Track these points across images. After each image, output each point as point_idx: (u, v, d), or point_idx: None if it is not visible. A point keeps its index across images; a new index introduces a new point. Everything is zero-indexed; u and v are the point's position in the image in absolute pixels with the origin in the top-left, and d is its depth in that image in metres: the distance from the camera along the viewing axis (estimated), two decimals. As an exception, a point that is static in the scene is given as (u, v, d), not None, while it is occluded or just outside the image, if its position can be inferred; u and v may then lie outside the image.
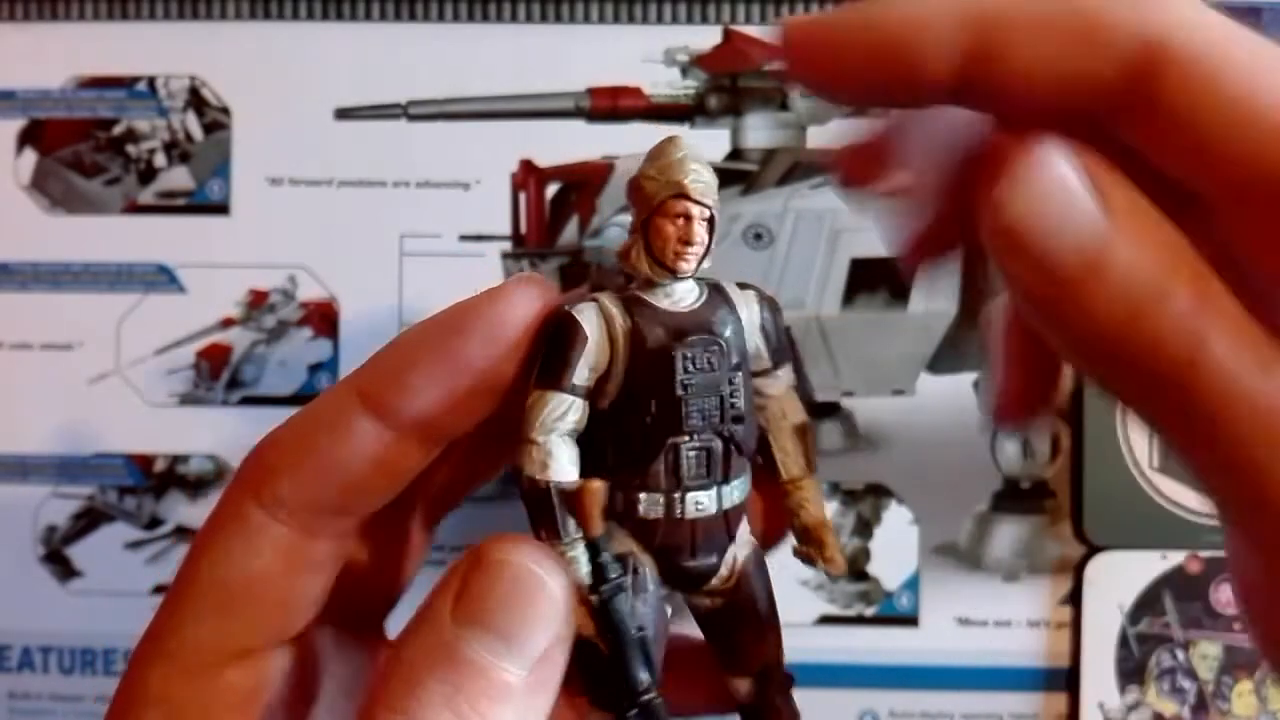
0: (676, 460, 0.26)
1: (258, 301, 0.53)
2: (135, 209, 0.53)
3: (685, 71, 0.52)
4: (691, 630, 0.28)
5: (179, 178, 0.53)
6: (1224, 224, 0.22)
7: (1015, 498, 0.52)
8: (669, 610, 0.27)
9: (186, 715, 0.25)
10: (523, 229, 0.52)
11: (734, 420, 0.26)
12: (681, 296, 0.26)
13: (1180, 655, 0.52)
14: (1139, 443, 0.52)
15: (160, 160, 0.53)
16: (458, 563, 0.24)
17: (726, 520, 0.27)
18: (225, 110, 0.53)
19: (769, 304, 0.27)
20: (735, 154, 0.53)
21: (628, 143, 0.52)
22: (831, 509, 0.52)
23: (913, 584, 0.53)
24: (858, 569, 0.53)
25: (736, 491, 0.27)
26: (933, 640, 0.53)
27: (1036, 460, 0.52)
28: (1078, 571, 0.52)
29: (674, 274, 0.26)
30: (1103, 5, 0.22)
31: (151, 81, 0.53)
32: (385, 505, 0.28)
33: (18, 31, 0.53)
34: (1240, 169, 0.21)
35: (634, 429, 0.26)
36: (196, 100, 0.53)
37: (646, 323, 0.26)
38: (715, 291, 0.26)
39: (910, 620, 0.53)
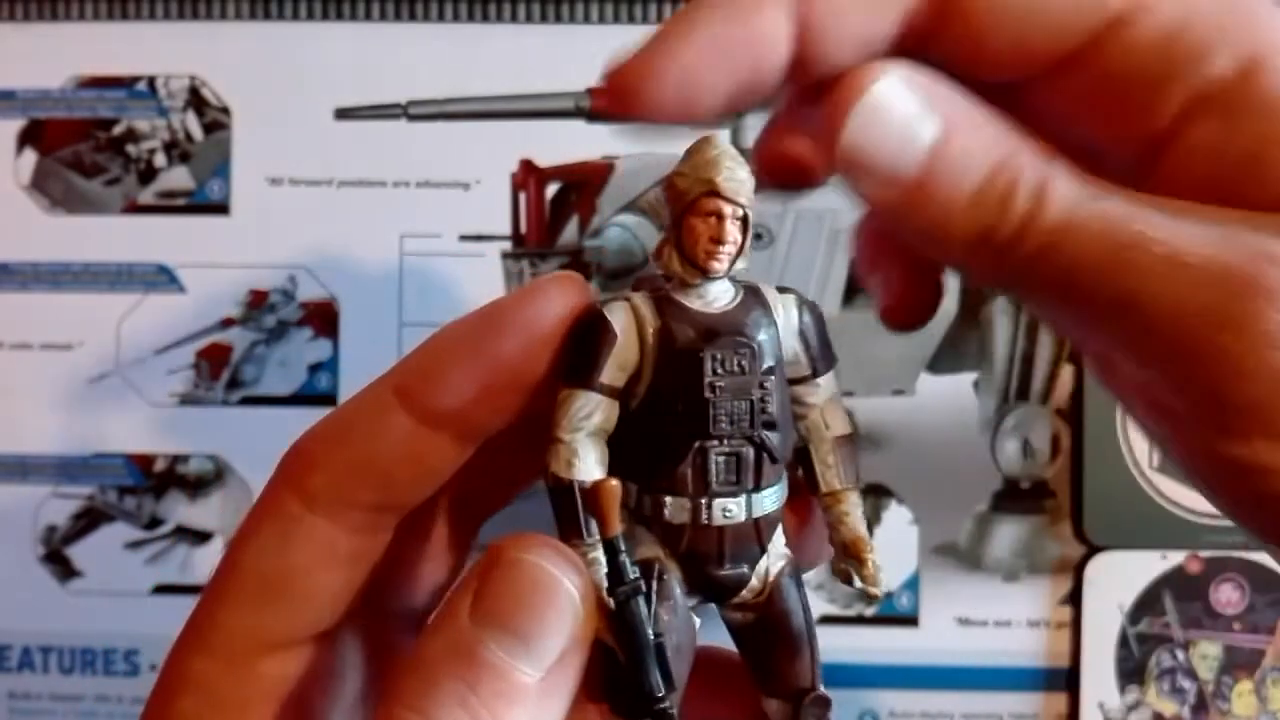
0: (704, 464, 0.25)
1: (258, 301, 0.53)
2: (135, 209, 0.53)
3: (685, 71, 0.52)
4: (731, 645, 0.27)
5: (179, 178, 0.53)
6: (1037, 105, 0.26)
7: (1015, 498, 0.52)
8: (697, 621, 0.26)
9: (223, 703, 0.26)
10: (523, 229, 0.52)
11: (765, 426, 0.25)
12: (715, 297, 0.25)
13: (1180, 655, 0.52)
14: (1139, 443, 0.52)
15: (160, 160, 0.53)
16: (478, 561, 0.24)
17: (758, 530, 0.26)
18: (225, 110, 0.53)
19: (809, 309, 0.26)
20: (735, 154, 0.53)
21: (627, 143, 0.52)
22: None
23: (913, 584, 0.53)
24: (858, 569, 0.53)
25: (769, 500, 0.26)
26: (933, 640, 0.53)
27: (1036, 460, 0.52)
28: (1078, 571, 0.52)
29: (705, 274, 0.25)
30: None
31: (151, 81, 0.53)
32: (429, 505, 0.28)
33: (18, 31, 0.53)
34: (1048, 48, 0.25)
35: (661, 431, 0.25)
36: (196, 100, 0.53)
37: (676, 323, 0.25)
38: (751, 294, 0.26)
39: (910, 620, 0.53)
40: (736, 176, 0.25)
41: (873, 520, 0.53)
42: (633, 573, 0.24)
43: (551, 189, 0.53)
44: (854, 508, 0.27)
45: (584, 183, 0.52)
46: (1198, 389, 0.23)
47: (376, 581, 0.27)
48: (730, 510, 0.25)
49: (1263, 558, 0.51)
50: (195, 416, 0.53)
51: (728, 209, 0.25)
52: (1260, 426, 0.23)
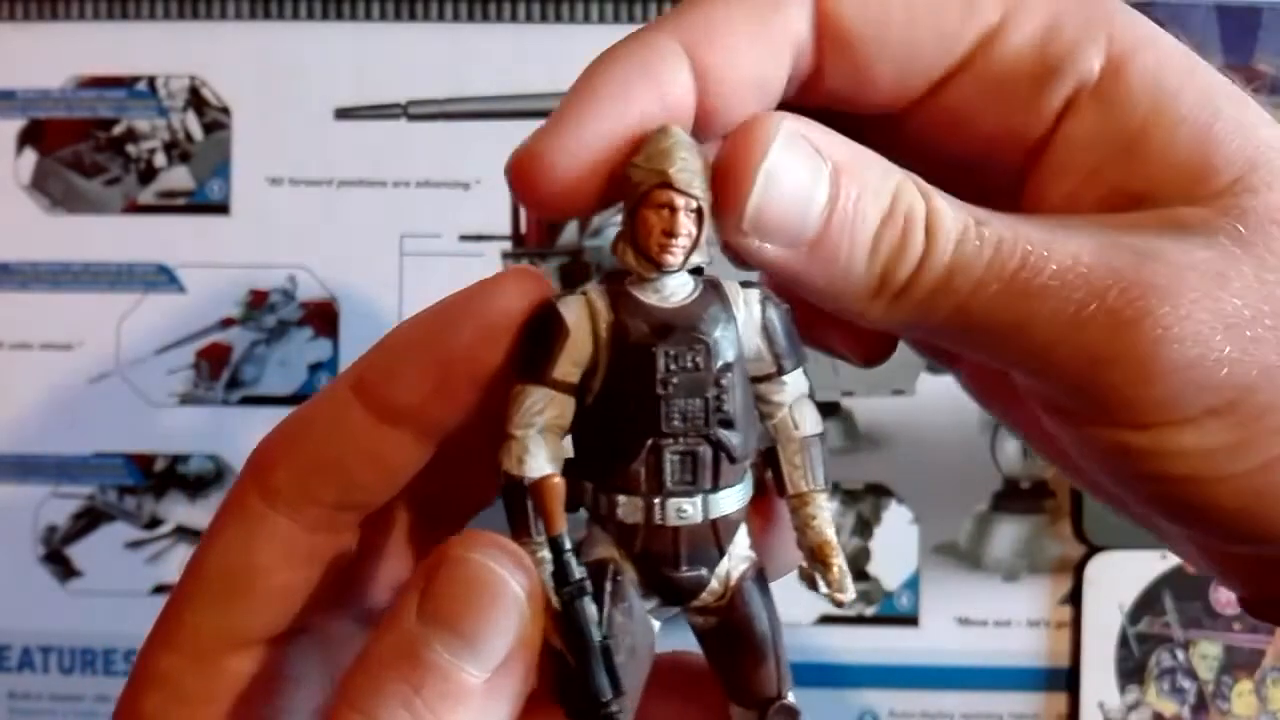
0: (658, 463, 0.24)
1: (258, 301, 0.53)
2: (135, 209, 0.53)
3: (685, 71, 0.52)
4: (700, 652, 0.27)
5: (179, 178, 0.53)
6: (921, 129, 0.27)
7: (1015, 498, 0.52)
8: (656, 624, 0.26)
9: (187, 700, 0.26)
10: (523, 229, 0.52)
11: (722, 424, 0.24)
12: (673, 292, 0.25)
13: (1180, 655, 0.52)
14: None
15: (160, 160, 0.53)
16: (426, 559, 0.24)
17: (716, 531, 0.25)
18: (225, 110, 0.53)
19: (774, 304, 0.26)
20: (735, 154, 0.52)
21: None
22: (832, 509, 0.52)
23: (913, 584, 0.53)
24: (858, 569, 0.53)
25: (727, 502, 0.25)
26: (933, 640, 0.53)
27: (1036, 460, 0.52)
28: (1078, 571, 0.52)
29: (659, 267, 0.24)
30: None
31: (151, 81, 0.53)
32: (400, 507, 0.28)
33: (18, 31, 0.53)
34: (931, 66, 0.26)
35: (614, 428, 0.25)
36: (196, 100, 0.53)
37: (630, 318, 0.24)
38: (711, 288, 0.25)
39: (910, 620, 0.53)
40: (690, 167, 0.24)
41: (872, 520, 0.53)
42: (579, 572, 0.24)
43: (551, 189, 0.52)
44: (821, 510, 0.26)
45: (584, 183, 0.52)
46: (1103, 393, 0.24)
47: (345, 582, 0.27)
48: (685, 511, 0.25)
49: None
50: (195, 416, 0.53)
51: (680, 200, 0.24)
52: (1167, 414, 0.24)
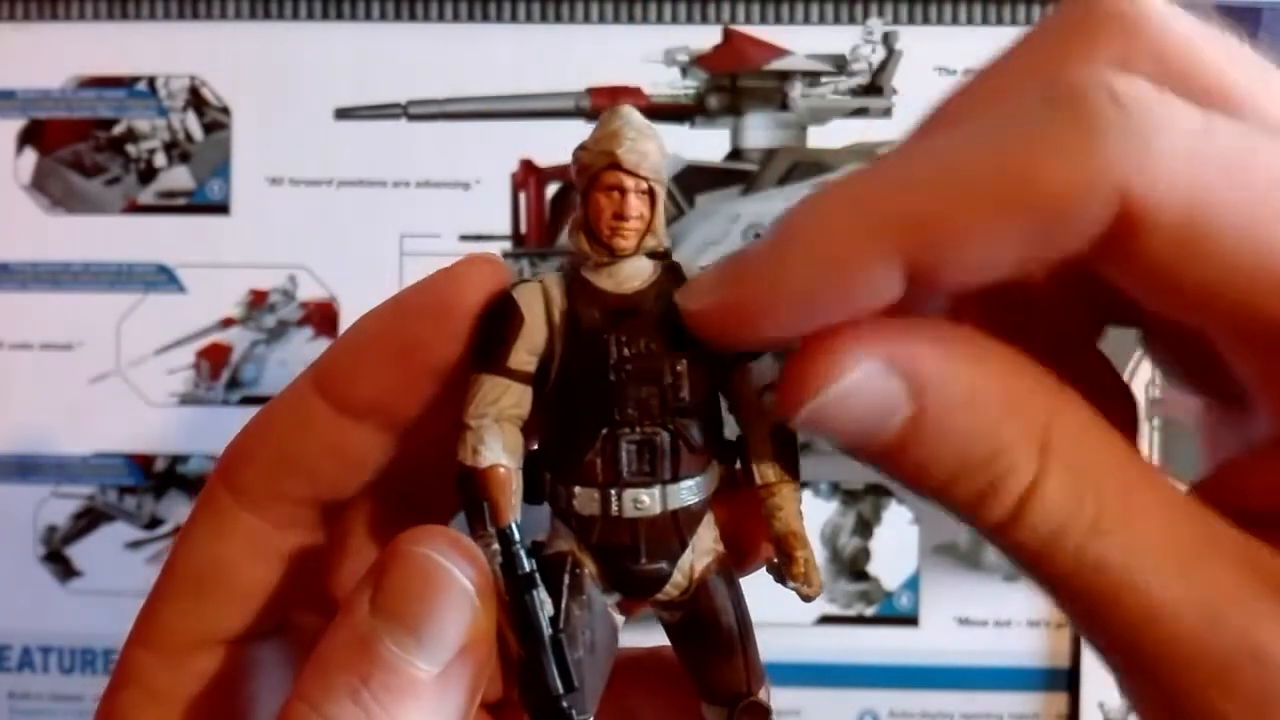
0: (614, 452, 0.24)
1: (258, 301, 0.53)
2: (135, 209, 0.53)
3: (685, 71, 0.52)
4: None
5: (179, 178, 0.53)
6: (1223, 359, 0.22)
7: (1015, 498, 0.52)
8: (619, 619, 0.25)
9: (160, 696, 0.26)
10: (523, 229, 0.52)
11: (679, 412, 0.24)
12: (628, 277, 0.24)
13: (1180, 655, 0.52)
14: (1140, 441, 0.52)
15: (160, 160, 0.53)
16: (380, 554, 0.23)
17: (677, 523, 0.24)
18: (225, 110, 0.53)
19: None
20: (735, 154, 0.53)
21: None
22: (831, 509, 0.53)
23: (913, 584, 0.53)
24: (858, 569, 0.53)
25: (688, 492, 0.24)
26: (933, 640, 0.53)
27: (1036, 460, 0.52)
28: (1078, 571, 0.52)
29: (612, 251, 0.24)
30: (1054, 162, 0.19)
31: (151, 81, 0.53)
32: (373, 506, 0.28)
33: (18, 31, 0.53)
34: (1237, 316, 0.20)
35: (569, 416, 0.24)
36: (196, 100, 0.53)
37: (583, 304, 0.24)
38: (670, 274, 0.24)
39: (910, 620, 0.53)
40: (639, 148, 0.23)
41: (872, 520, 0.53)
42: (528, 564, 0.23)
43: (551, 189, 0.53)
44: (789, 501, 0.25)
45: (584, 183, 0.52)
46: None
47: (317, 579, 0.27)
48: (643, 502, 0.24)
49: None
50: (195, 416, 0.53)
51: (630, 182, 0.23)
52: None
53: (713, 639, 0.25)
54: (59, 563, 0.53)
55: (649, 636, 0.27)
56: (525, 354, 0.24)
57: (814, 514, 0.52)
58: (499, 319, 0.24)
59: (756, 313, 0.22)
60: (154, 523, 0.53)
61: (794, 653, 0.51)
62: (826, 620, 0.52)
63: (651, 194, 0.24)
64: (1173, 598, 0.21)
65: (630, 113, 0.24)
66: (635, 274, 0.24)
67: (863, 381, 0.21)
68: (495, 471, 0.23)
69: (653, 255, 0.24)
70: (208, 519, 0.26)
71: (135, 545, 0.53)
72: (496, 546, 0.23)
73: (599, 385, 0.24)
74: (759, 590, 0.26)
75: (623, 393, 0.23)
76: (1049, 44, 0.23)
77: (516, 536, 0.23)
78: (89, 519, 0.53)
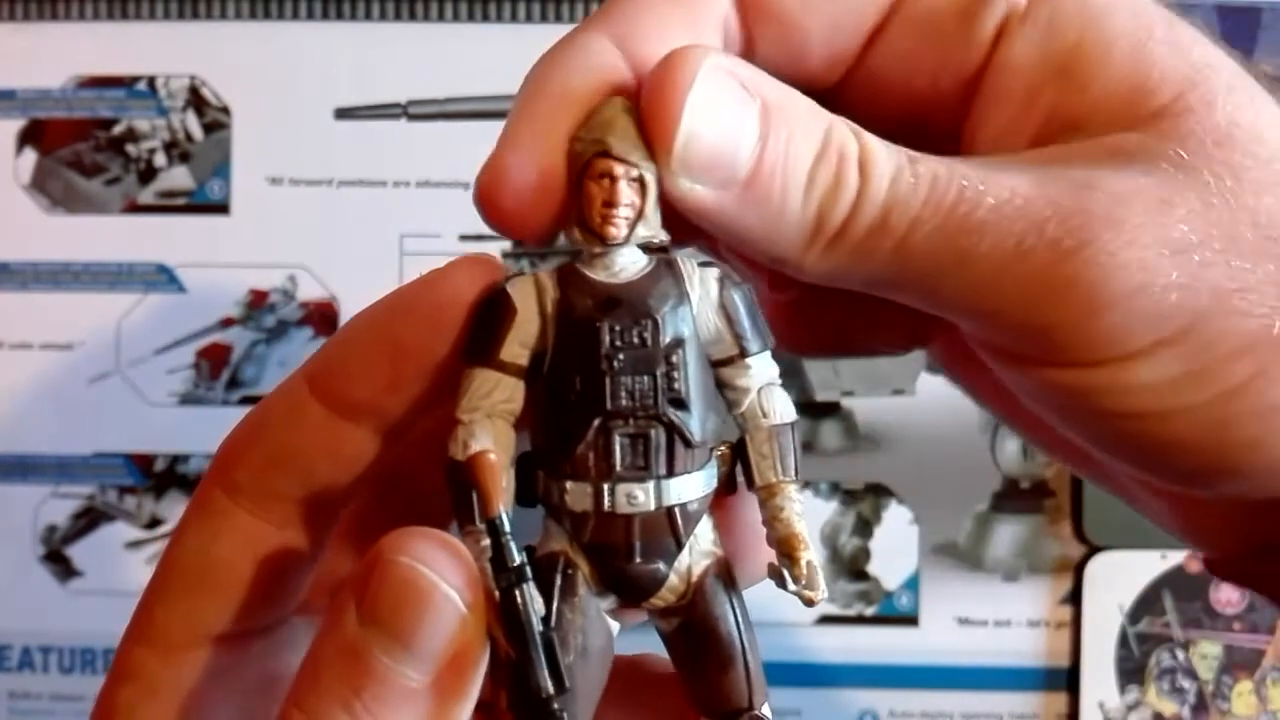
0: (607, 445, 0.23)
1: (258, 301, 0.53)
2: (135, 209, 0.53)
3: (685, 71, 0.52)
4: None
5: (179, 177, 0.53)
6: (856, 90, 0.27)
7: (1015, 497, 0.52)
8: (615, 625, 0.24)
9: (158, 693, 0.26)
10: (523, 229, 0.52)
11: (674, 404, 0.23)
12: (622, 268, 0.24)
13: (1180, 655, 0.52)
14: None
15: (160, 160, 0.53)
16: (364, 558, 0.23)
17: (672, 521, 0.23)
18: (225, 110, 0.53)
19: (733, 284, 0.24)
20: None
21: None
22: (831, 509, 0.53)
23: (913, 584, 0.53)
24: (857, 569, 0.53)
25: (685, 489, 0.24)
26: (933, 640, 0.53)
27: (1036, 460, 0.52)
28: (1078, 571, 0.52)
29: (603, 240, 0.23)
30: None
31: (151, 81, 0.53)
32: (378, 506, 0.28)
33: (18, 31, 0.53)
34: (861, 18, 0.26)
35: (561, 408, 0.23)
36: (196, 100, 0.53)
37: (575, 294, 0.24)
38: (665, 265, 0.24)
39: (910, 620, 0.53)
40: (630, 136, 0.23)
41: (872, 520, 0.53)
42: (518, 556, 0.22)
43: (551, 189, 0.52)
44: (790, 502, 0.24)
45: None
46: (1049, 330, 0.23)
47: (314, 577, 0.27)
48: (637, 497, 0.23)
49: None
50: (195, 416, 0.53)
51: (620, 169, 0.23)
52: (1116, 348, 0.23)
53: (711, 647, 0.24)
54: (59, 562, 0.53)
55: (645, 645, 0.26)
56: (518, 346, 0.24)
57: (814, 514, 0.52)
58: (491, 312, 0.24)
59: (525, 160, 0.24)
60: (154, 523, 0.53)
61: (794, 653, 0.51)
62: (826, 620, 0.52)
63: (643, 182, 0.23)
64: (1001, 186, 0.23)
65: (623, 102, 0.24)
66: (629, 264, 0.24)
67: (712, 88, 0.23)
68: (483, 457, 0.22)
69: (649, 249, 0.24)
70: (202, 516, 0.26)
71: (135, 545, 0.53)
72: (486, 542, 0.23)
73: (591, 374, 0.23)
74: (758, 589, 0.25)
75: (615, 382, 0.23)
76: None
77: (506, 527, 0.22)
78: (89, 519, 0.53)
